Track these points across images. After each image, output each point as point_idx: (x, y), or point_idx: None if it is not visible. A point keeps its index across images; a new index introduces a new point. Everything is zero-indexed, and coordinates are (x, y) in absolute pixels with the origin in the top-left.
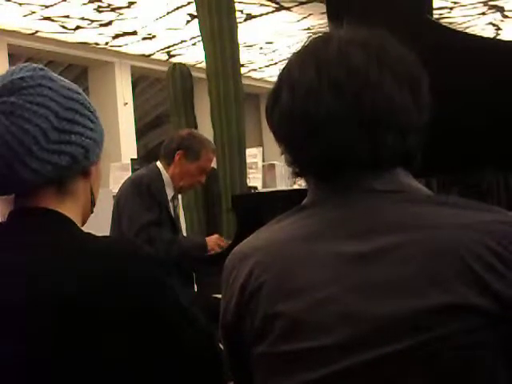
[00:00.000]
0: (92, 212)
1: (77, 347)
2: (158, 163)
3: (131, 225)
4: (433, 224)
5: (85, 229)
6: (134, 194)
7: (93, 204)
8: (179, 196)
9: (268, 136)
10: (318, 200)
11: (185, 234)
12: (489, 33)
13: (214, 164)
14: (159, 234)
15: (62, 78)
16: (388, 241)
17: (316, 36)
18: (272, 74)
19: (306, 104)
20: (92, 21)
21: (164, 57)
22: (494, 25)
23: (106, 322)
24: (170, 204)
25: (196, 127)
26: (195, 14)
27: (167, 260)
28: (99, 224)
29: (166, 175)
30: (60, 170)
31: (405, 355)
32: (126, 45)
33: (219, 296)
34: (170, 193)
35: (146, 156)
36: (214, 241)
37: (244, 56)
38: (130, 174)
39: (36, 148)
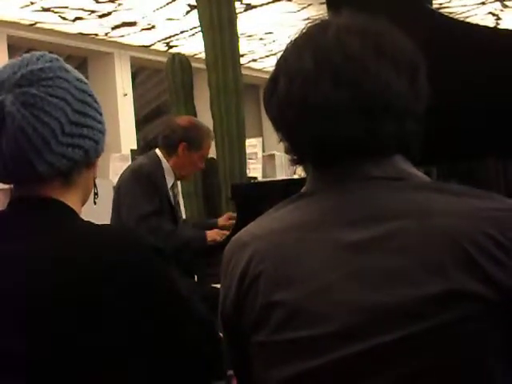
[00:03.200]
0: (95, 203)
1: (76, 337)
2: (158, 151)
3: (131, 215)
4: (431, 211)
5: (85, 219)
6: (134, 183)
7: (96, 194)
8: (179, 184)
9: (268, 126)
10: (316, 188)
11: None
12: (488, 22)
13: (213, 154)
14: (160, 225)
15: (73, 69)
16: (386, 228)
17: (313, 23)
18: (272, 65)
19: (304, 91)
20: (91, 11)
21: (163, 47)
22: (493, 14)
23: (105, 313)
24: (170, 192)
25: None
26: (195, 4)
27: (167, 250)
28: (99, 214)
29: (165, 163)
30: (72, 163)
31: (403, 344)
32: (126, 35)
33: (218, 286)
34: (169, 181)
35: (145, 146)
36: (213, 234)
37: (243, 46)
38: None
39: (53, 141)
